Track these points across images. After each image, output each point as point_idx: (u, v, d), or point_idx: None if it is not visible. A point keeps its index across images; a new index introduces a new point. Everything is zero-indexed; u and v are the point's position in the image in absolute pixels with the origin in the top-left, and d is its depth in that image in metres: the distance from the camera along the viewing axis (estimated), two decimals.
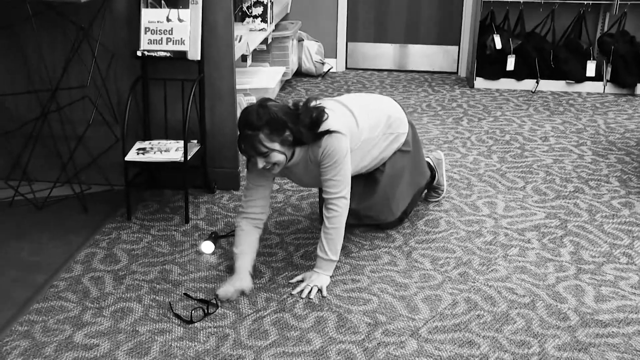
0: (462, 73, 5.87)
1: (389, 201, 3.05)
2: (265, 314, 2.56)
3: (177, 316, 2.52)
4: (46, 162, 3.50)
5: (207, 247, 2.95)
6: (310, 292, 2.68)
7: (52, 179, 3.43)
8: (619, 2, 5.25)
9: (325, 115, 2.67)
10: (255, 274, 2.81)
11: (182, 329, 2.46)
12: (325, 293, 2.68)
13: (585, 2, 5.33)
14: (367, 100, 3.06)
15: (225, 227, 3.19)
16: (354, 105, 2.89)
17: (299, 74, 5.68)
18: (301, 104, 2.70)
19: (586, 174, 3.85)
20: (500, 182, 3.70)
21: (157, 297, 2.64)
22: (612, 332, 2.48)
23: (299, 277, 2.77)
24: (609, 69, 5.34)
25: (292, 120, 2.61)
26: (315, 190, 3.57)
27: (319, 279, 2.72)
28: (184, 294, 2.66)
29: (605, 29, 5.51)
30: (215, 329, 2.46)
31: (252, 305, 2.61)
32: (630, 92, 5.38)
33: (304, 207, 3.41)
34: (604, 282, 2.79)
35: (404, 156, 3.06)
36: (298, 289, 2.70)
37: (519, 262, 2.93)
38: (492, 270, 2.86)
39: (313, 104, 2.69)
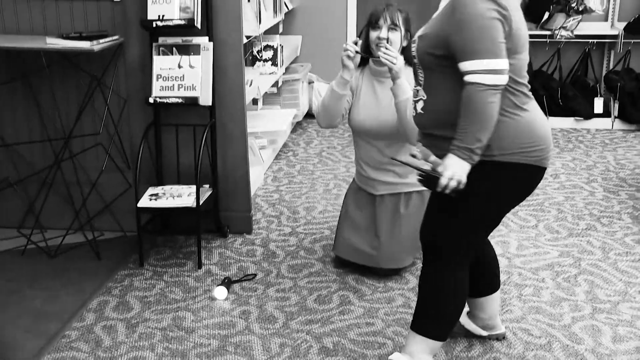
0: None
1: (413, 248, 3.11)
2: None
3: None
4: (59, 209, 3.53)
5: (220, 292, 2.95)
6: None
7: (65, 226, 3.45)
8: (622, 40, 5.30)
9: None
10: (269, 319, 2.80)
11: None
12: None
13: (590, 40, 5.38)
14: None
15: (238, 271, 3.19)
16: None
17: (310, 115, 5.71)
18: None
19: (598, 211, 3.84)
20: (512, 221, 3.69)
21: (170, 345, 2.63)
22: None
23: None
24: (616, 106, 5.36)
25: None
26: (327, 232, 3.57)
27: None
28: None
29: (611, 66, 5.55)
30: None
31: (265, 351, 2.59)
32: (639, 127, 5.39)
33: (316, 249, 3.41)
34: (621, 322, 2.76)
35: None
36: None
37: (534, 302, 2.91)
38: (506, 310, 2.84)
39: None
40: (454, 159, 2.10)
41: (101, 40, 3.13)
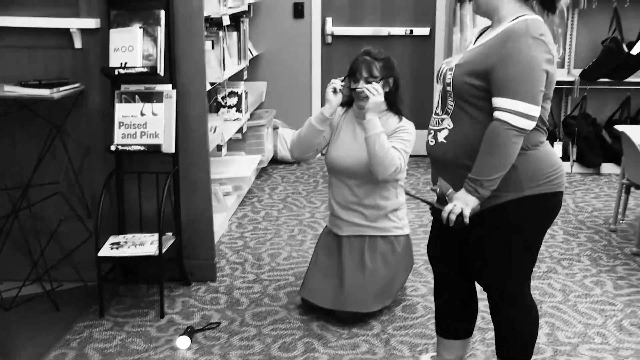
0: None
1: (387, 292, 3.13)
2: None
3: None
4: (15, 260, 3.43)
5: (183, 342, 2.90)
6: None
7: (22, 277, 3.35)
8: (579, 86, 5.46)
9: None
10: None
11: None
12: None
13: None
14: None
15: (202, 320, 3.14)
16: None
17: (275, 161, 5.74)
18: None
19: (558, 254, 3.89)
20: None
21: None
22: None
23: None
24: (575, 150, 5.50)
25: (399, 82, 3.11)
26: (292, 279, 3.56)
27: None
28: None
29: (569, 111, 5.70)
30: None
31: None
32: (596, 171, 5.52)
33: (281, 296, 3.38)
34: None
35: (406, 240, 3.24)
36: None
37: None
38: (470, 355, 2.84)
39: None
40: (462, 192, 2.16)
41: (61, 88, 3.12)
